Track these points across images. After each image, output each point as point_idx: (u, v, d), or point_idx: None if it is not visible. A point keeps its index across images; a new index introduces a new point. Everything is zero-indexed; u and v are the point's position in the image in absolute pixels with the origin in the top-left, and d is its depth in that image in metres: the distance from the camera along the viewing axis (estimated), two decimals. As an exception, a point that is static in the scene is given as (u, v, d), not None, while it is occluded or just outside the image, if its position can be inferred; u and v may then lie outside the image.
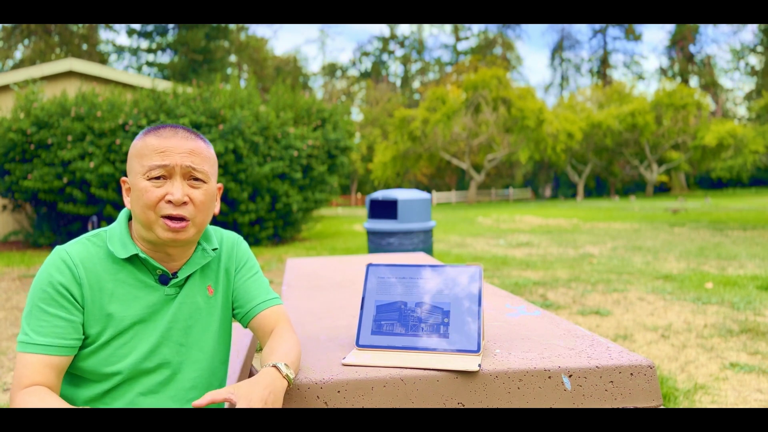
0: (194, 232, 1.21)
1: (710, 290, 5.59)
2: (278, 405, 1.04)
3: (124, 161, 9.85)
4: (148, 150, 1.17)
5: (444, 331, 1.29)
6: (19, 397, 1.08)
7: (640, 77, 58.65)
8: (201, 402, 0.96)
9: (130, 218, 1.28)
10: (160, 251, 1.23)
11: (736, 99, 54.03)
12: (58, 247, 1.19)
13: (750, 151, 35.47)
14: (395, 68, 61.37)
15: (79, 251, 1.19)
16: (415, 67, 60.14)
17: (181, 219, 1.18)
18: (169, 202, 1.16)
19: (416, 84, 59.40)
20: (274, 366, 1.10)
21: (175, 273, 1.26)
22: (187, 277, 1.28)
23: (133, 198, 1.19)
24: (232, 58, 44.37)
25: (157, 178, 1.16)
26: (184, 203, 1.17)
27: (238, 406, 0.98)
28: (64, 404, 1.06)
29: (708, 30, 58.47)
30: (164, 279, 1.24)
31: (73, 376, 1.21)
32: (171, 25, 40.65)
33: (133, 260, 1.22)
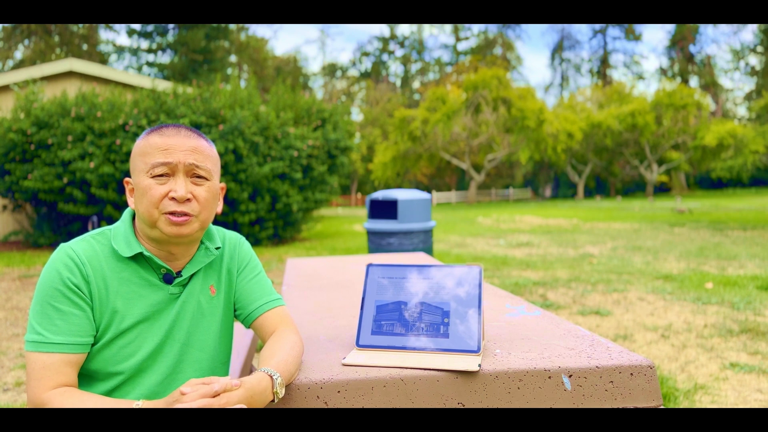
0: (197, 227, 1.21)
1: (710, 290, 5.58)
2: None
3: (124, 161, 9.84)
4: (151, 148, 1.18)
5: (444, 331, 1.29)
6: (50, 398, 1.08)
7: (640, 77, 58.57)
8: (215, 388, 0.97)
9: (134, 217, 1.28)
10: (164, 250, 1.23)
11: (736, 99, 54.00)
12: (63, 245, 1.18)
13: (750, 151, 35.43)
14: (395, 68, 61.36)
15: (84, 249, 1.19)
16: (415, 67, 60.10)
17: (184, 215, 1.18)
18: (173, 199, 1.16)
19: (416, 84, 59.35)
20: (270, 376, 1.08)
21: (179, 272, 1.26)
22: (191, 277, 1.28)
23: (137, 196, 1.20)
24: (232, 58, 44.36)
25: (161, 175, 1.17)
26: (188, 200, 1.18)
27: (231, 401, 0.98)
28: (106, 400, 1.07)
29: (708, 30, 58.41)
30: (168, 278, 1.24)
31: (78, 375, 1.20)
32: (171, 25, 40.64)
33: (138, 259, 1.22)
